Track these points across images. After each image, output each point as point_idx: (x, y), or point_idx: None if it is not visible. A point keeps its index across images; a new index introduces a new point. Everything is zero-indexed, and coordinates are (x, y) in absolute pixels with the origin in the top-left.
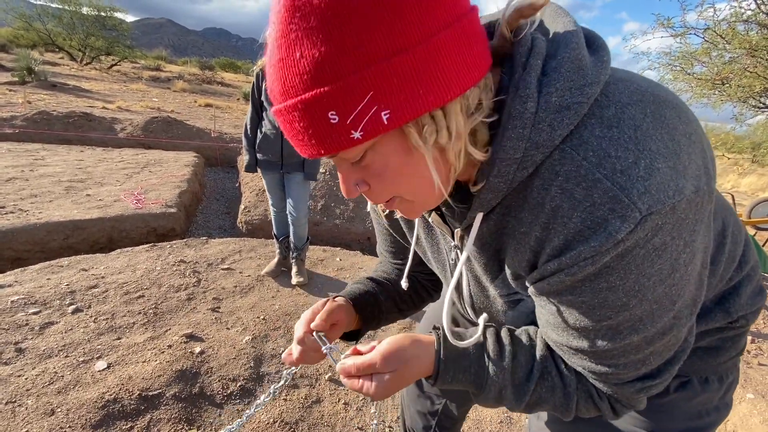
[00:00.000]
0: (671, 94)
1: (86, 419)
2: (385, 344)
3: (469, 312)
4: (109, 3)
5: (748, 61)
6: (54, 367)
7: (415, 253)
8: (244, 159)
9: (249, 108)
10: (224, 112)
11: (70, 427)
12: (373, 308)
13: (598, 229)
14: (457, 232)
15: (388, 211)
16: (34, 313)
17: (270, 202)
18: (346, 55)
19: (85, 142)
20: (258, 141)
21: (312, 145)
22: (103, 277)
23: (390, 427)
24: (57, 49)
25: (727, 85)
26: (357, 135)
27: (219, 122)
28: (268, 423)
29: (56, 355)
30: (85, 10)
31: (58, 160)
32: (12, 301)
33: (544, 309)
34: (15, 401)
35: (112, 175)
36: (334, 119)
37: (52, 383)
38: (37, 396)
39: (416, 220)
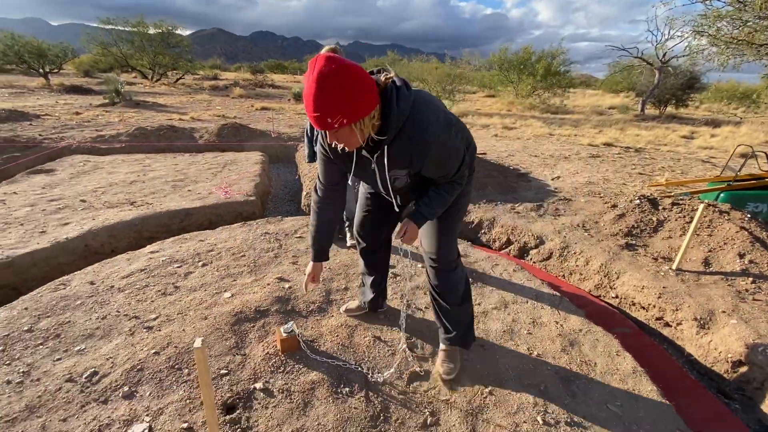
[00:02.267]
0: (433, 101)
1: (226, 321)
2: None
3: (382, 191)
4: (170, 23)
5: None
6: (200, 296)
7: (338, 172)
8: (304, 152)
9: None
10: (278, 113)
11: (217, 326)
12: (327, 252)
13: (429, 144)
14: (375, 157)
15: (341, 148)
16: (178, 267)
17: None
18: (338, 104)
19: (173, 150)
20: (314, 136)
21: (321, 125)
22: (215, 245)
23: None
24: (130, 69)
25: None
26: (336, 125)
27: (275, 123)
28: (337, 325)
29: (198, 290)
30: (151, 31)
31: (160, 165)
32: (162, 260)
33: (427, 172)
34: (183, 312)
35: (202, 174)
36: (330, 120)
37: (200, 304)
38: (195, 310)
39: (354, 153)
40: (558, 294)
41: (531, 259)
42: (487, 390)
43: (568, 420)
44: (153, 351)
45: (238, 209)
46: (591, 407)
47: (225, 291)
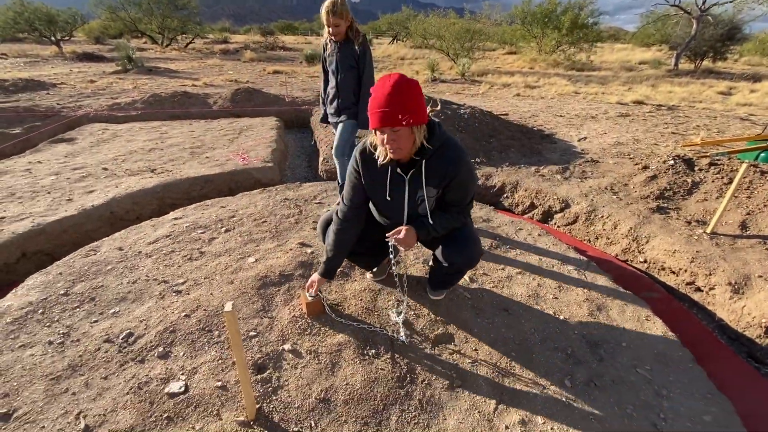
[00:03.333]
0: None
1: (252, 285)
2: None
3: (398, 215)
4: None
5: None
6: (225, 261)
7: (365, 194)
8: (320, 113)
9: (320, 72)
10: (291, 77)
11: (243, 290)
12: (335, 272)
13: (461, 165)
14: (409, 174)
15: (386, 159)
16: (202, 233)
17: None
18: (408, 105)
19: (189, 116)
20: (326, 97)
21: (391, 121)
22: (236, 211)
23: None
24: (140, 35)
25: None
26: (403, 123)
27: (289, 87)
28: (360, 290)
29: (223, 255)
30: None
31: (177, 132)
32: (186, 226)
33: (448, 195)
34: (209, 277)
35: (218, 141)
36: (400, 117)
37: (226, 269)
38: (221, 275)
39: (388, 173)
40: (584, 258)
41: (555, 223)
42: (513, 353)
43: (597, 383)
44: (183, 314)
45: (257, 175)
46: (619, 370)
47: (249, 256)
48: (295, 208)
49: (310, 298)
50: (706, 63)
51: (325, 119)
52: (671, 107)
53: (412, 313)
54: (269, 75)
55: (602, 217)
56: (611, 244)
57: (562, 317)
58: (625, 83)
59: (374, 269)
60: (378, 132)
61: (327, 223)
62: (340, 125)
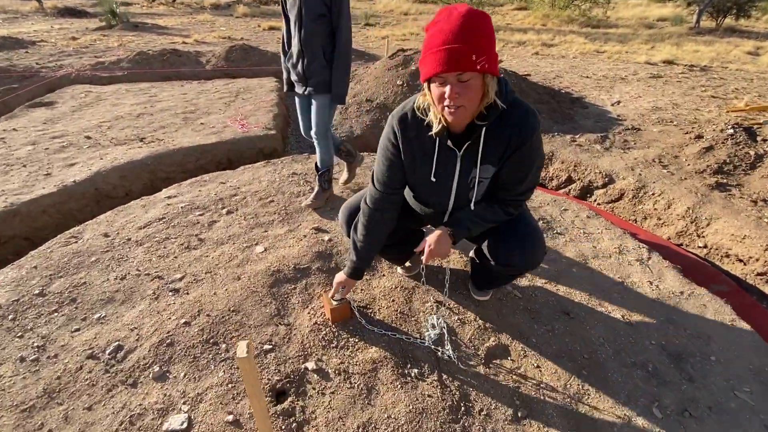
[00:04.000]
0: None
1: (263, 283)
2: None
3: (444, 203)
4: None
5: None
6: (228, 251)
7: (404, 175)
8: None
9: (283, 23)
10: None
11: (253, 288)
12: (363, 272)
13: (532, 131)
14: (463, 149)
15: (440, 126)
16: (200, 215)
17: (301, 128)
18: (484, 43)
19: (180, 77)
20: (287, 58)
21: (461, 63)
22: (238, 188)
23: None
24: None
25: None
26: (477, 67)
27: None
28: (391, 288)
29: (226, 243)
30: None
31: (167, 95)
32: (182, 207)
33: (502, 174)
34: (211, 271)
35: (214, 105)
36: (475, 58)
37: (230, 261)
38: (225, 268)
39: (435, 146)
40: (644, 246)
41: (596, 200)
42: (584, 371)
43: (691, 412)
44: (183, 320)
45: (258, 144)
46: (715, 394)
47: (256, 244)
48: (305, 184)
49: (335, 303)
50: (728, 21)
51: (291, 88)
52: (703, 68)
53: (456, 318)
54: (264, 32)
55: (653, 194)
56: (662, 226)
57: (632, 321)
58: (647, 41)
59: (407, 264)
60: (436, 84)
61: (352, 213)
62: (313, 102)
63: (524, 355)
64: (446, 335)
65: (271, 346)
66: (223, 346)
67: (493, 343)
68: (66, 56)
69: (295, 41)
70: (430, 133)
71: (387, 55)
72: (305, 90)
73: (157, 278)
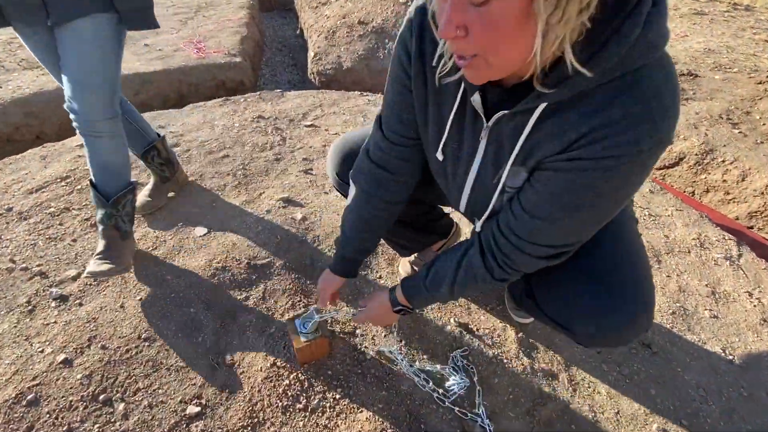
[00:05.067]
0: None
1: (197, 290)
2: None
3: (460, 198)
4: None
5: None
6: (153, 233)
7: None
8: None
9: None
10: None
11: (181, 298)
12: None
13: (632, 139)
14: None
15: (445, 70)
16: None
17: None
18: None
19: None
20: None
21: None
22: (182, 135)
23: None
24: None
25: None
26: None
27: None
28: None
29: (154, 218)
30: None
31: None
32: None
33: (539, 186)
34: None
35: (166, 22)
36: None
37: (154, 248)
38: (143, 263)
39: (455, 102)
40: (730, 236)
41: None
42: None
43: None
44: (61, 356)
45: (219, 75)
46: None
47: (196, 225)
48: (275, 133)
49: (304, 340)
50: None
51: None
52: (747, 7)
53: (491, 354)
54: None
55: (723, 161)
56: (730, 202)
57: (736, 359)
58: None
59: (413, 257)
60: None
61: (347, 155)
62: (73, 30)
63: (594, 419)
64: (478, 388)
65: (198, 408)
66: (120, 407)
67: (547, 398)
68: None
69: None
70: (442, 73)
71: None
72: (50, 18)
73: (39, 276)
